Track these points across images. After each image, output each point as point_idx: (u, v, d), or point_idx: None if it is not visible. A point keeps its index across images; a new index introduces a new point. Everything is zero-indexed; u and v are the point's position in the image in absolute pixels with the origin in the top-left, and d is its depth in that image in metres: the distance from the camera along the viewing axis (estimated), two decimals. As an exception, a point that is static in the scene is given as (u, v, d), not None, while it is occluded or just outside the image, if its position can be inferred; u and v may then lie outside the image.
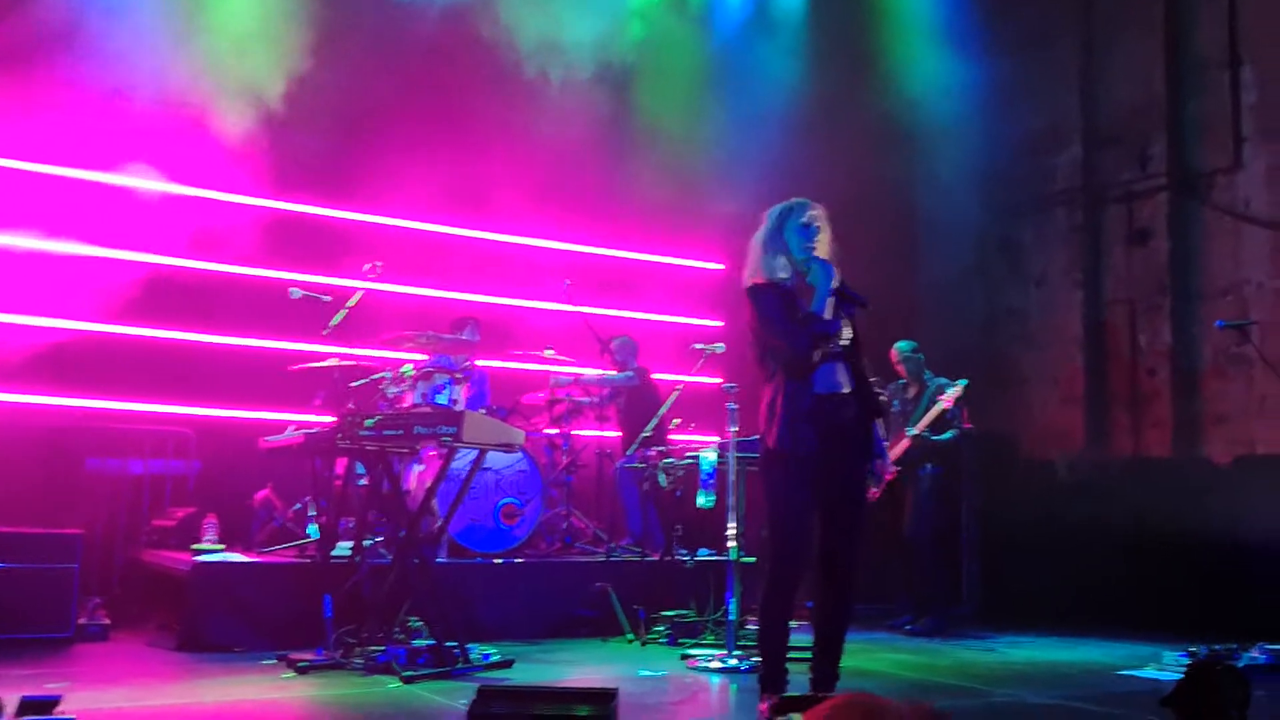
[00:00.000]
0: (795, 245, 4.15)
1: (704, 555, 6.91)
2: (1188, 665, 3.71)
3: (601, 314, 8.75)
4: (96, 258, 7.17)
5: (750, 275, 4.20)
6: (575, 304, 7.89)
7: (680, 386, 7.28)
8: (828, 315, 4.08)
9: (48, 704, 3.35)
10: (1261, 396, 8.29)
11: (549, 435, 7.72)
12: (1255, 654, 5.78)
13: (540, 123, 8.24)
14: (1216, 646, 5.93)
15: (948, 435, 7.31)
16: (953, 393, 7.16)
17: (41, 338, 6.90)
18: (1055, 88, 9.74)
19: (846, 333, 4.12)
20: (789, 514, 4.01)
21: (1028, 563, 8.10)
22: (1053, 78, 9.74)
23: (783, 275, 4.12)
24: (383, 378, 6.41)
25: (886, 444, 7.29)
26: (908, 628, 7.24)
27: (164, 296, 7.34)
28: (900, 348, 7.55)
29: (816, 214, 4.19)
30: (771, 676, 4.06)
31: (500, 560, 6.76)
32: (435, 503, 6.11)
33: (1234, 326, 7.48)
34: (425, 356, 7.03)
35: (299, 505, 6.90)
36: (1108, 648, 6.52)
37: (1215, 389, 8.74)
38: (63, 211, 7.05)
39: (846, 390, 4.11)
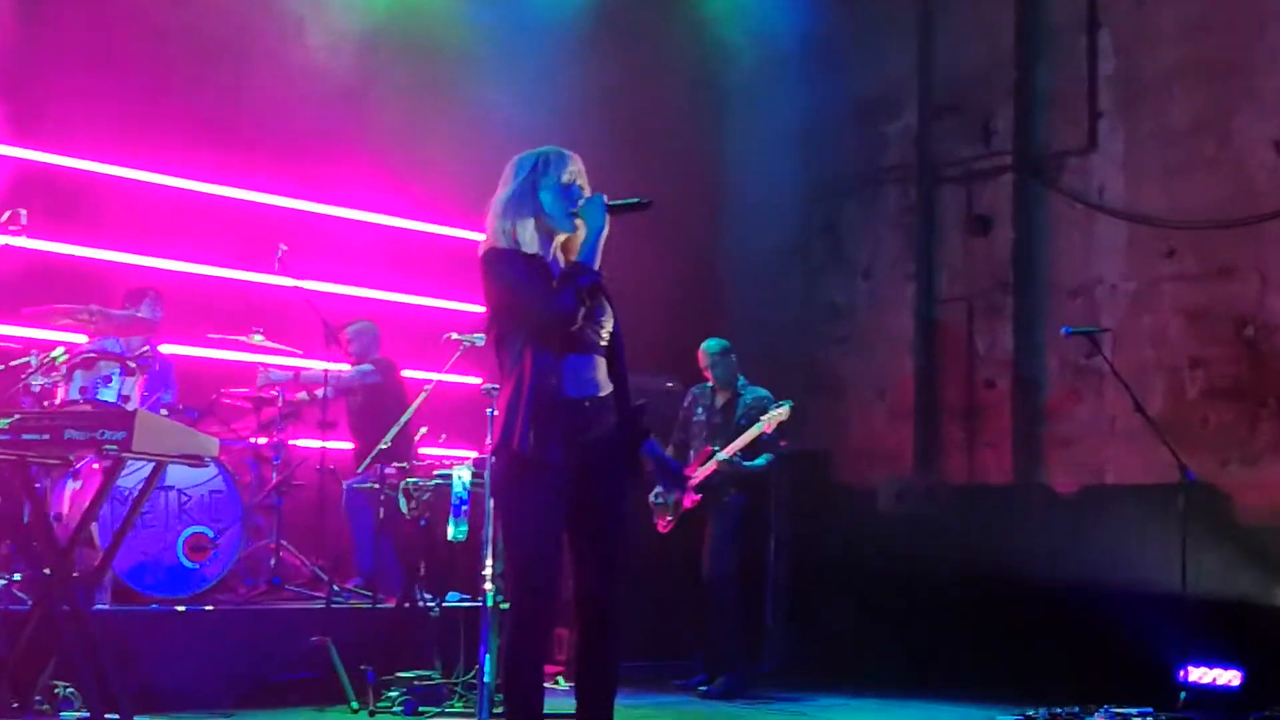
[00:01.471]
0: (553, 210, 4.04)
1: (454, 600, 6.84)
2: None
3: (330, 291, 8.55)
4: None
5: (486, 240, 4.09)
6: (295, 277, 7.55)
7: (430, 386, 7.07)
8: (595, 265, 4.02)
9: None
10: (1112, 416, 8.68)
11: (255, 445, 7.54)
12: (1100, 719, 6.02)
13: (258, 53, 8.11)
14: (1058, 710, 6.15)
15: (760, 461, 7.36)
16: (776, 416, 7.22)
17: None
18: (890, 44, 9.99)
19: (609, 325, 4.08)
20: (535, 536, 3.95)
21: (844, 609, 8.31)
22: (888, 32, 9.99)
23: (530, 249, 4.02)
24: (26, 364, 5.97)
25: (688, 462, 7.47)
26: (702, 689, 7.29)
27: None
28: (709, 348, 7.58)
29: (578, 170, 4.12)
30: (523, 748, 3.98)
31: (184, 607, 6.50)
32: (95, 531, 5.94)
33: (1082, 334, 7.78)
34: (87, 338, 6.70)
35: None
36: (935, 711, 6.72)
37: (1061, 406, 9.14)
38: None
39: (604, 393, 4.06)
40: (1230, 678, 6.19)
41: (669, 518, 7.38)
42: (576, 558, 4.05)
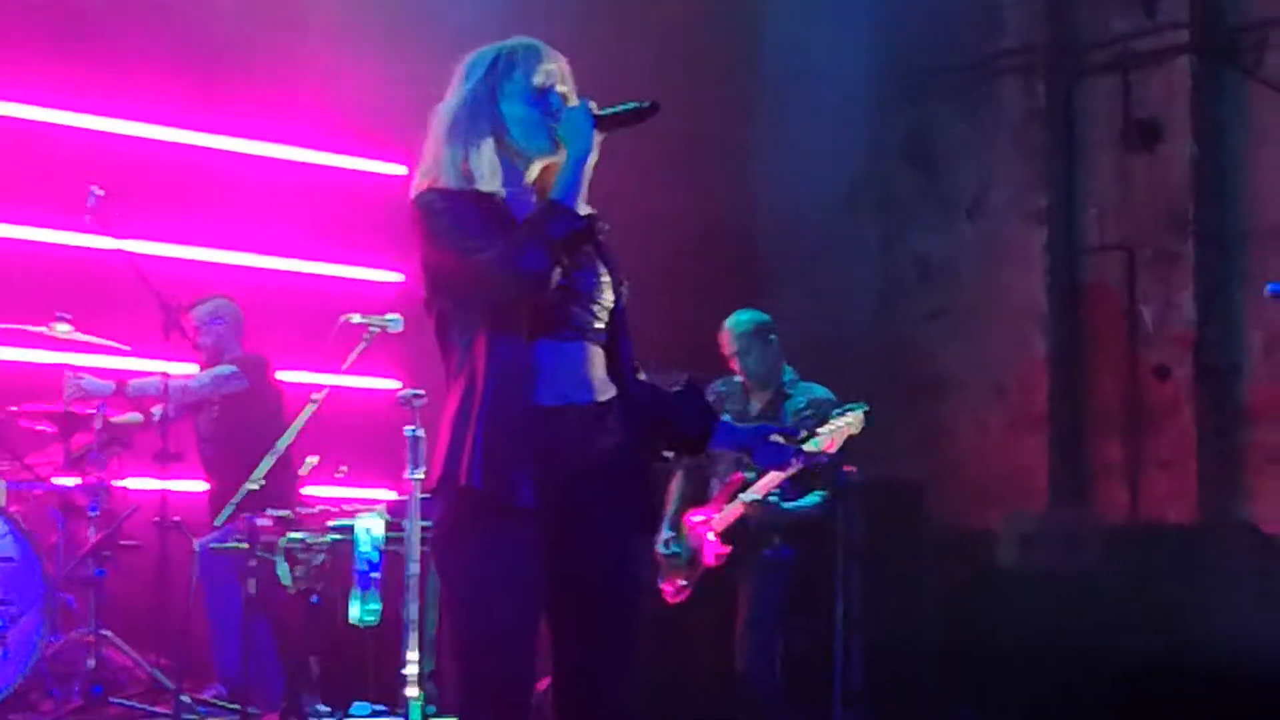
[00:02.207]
0: (520, 126, 4.03)
1: (363, 714, 6.95)
2: None
3: (170, 255, 8.62)
4: None
5: (423, 176, 4.07)
6: (117, 235, 7.51)
7: (322, 393, 7.05)
8: (582, 209, 3.98)
9: None
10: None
11: (63, 489, 7.56)
12: None
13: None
14: None
15: (811, 500, 7.32)
16: (841, 428, 7.07)
17: None
18: None
19: (607, 297, 4.06)
20: (500, 617, 3.92)
21: (948, 707, 8.24)
22: None
23: (488, 186, 4.00)
24: None
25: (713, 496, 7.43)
26: None
27: None
28: (737, 325, 7.51)
29: (557, 70, 4.10)
30: None
31: None
32: None
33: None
34: None
35: None
36: None
37: (1270, 403, 9.12)
38: None
39: (602, 398, 4.04)
40: None
41: (682, 581, 7.33)
42: (564, 649, 4.04)
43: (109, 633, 7.31)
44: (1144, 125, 9.59)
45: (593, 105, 4.01)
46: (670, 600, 7.36)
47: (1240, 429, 9.18)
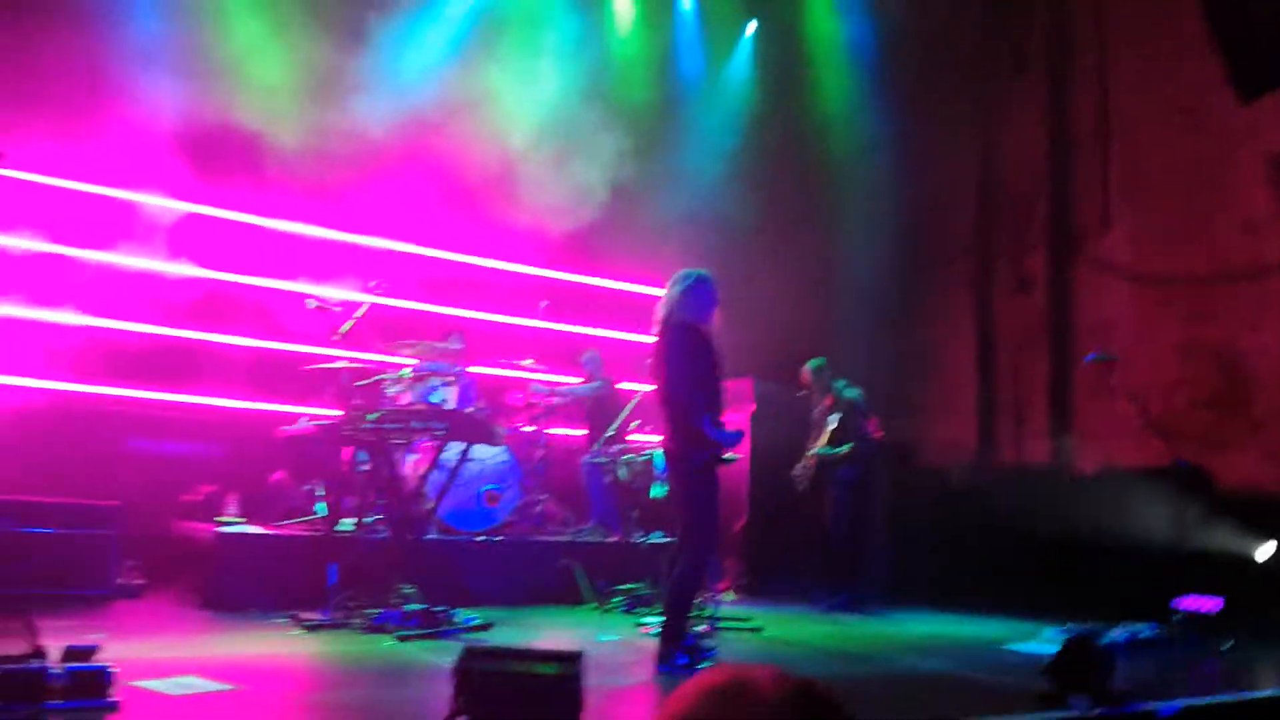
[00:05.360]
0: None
1: (657, 538, 6.78)
2: (1065, 640, 3.75)
3: (573, 331, 8.64)
4: (151, 271, 7.09)
5: (680, 311, 4.32)
6: (551, 320, 7.81)
7: (640, 395, 7.21)
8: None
9: (87, 652, 3.27)
10: (1121, 418, 8.36)
11: (527, 432, 7.52)
12: (1117, 633, 5.82)
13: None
14: (1086, 626, 5.92)
15: (843, 448, 7.01)
16: (834, 418, 6.92)
17: (101, 336, 6.83)
18: (956, 156, 9.76)
19: None
20: (716, 513, 4.31)
21: (927, 552, 8.06)
22: (955, 147, 9.75)
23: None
24: (384, 379, 6.29)
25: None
26: (824, 604, 7.07)
27: (202, 304, 7.25)
28: (810, 366, 7.24)
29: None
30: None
31: (482, 538, 6.67)
32: (427, 488, 5.98)
33: (1100, 360, 7.54)
34: (417, 361, 6.78)
35: (309, 486, 6.71)
36: (994, 624, 6.46)
37: (1084, 410, 8.78)
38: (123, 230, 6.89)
39: None
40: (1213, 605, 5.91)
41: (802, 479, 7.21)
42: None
43: (547, 496, 7.40)
44: (1024, 280, 9.22)
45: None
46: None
47: (1068, 422, 8.88)
